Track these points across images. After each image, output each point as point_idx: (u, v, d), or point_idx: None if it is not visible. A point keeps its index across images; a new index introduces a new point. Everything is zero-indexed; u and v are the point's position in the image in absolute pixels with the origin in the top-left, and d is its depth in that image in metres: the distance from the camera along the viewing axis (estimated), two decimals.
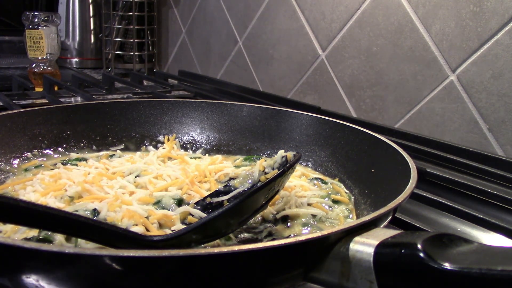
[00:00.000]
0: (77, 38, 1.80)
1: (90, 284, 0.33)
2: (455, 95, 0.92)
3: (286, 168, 0.49)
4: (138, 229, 0.47)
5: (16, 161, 0.68)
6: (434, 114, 0.96)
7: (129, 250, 0.30)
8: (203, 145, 0.80)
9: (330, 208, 0.59)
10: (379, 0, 1.04)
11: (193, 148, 0.80)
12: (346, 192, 0.64)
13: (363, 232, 0.36)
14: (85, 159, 0.70)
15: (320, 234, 0.34)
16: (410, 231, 0.35)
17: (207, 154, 0.78)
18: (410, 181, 0.48)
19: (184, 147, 0.80)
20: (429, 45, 0.95)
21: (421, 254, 0.30)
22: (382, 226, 0.41)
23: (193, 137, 0.81)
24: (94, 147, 0.76)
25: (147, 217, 0.50)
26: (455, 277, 0.29)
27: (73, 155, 0.72)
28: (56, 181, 0.59)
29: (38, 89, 1.27)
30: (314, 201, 0.59)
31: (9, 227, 0.48)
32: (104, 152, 0.75)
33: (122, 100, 0.83)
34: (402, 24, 1.00)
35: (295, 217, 0.55)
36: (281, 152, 0.54)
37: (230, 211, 0.43)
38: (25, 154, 0.69)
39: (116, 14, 1.64)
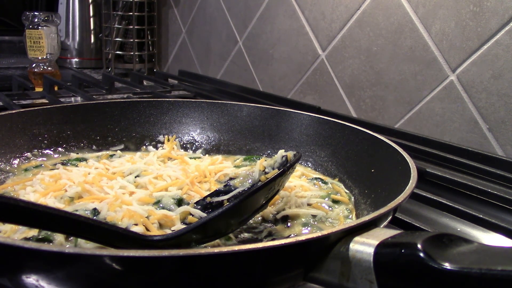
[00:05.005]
0: (77, 38, 1.80)
1: (90, 284, 0.33)
2: (455, 95, 0.92)
3: (286, 168, 0.49)
4: (138, 229, 0.47)
5: (16, 161, 0.68)
6: (434, 114, 0.96)
7: (129, 250, 0.30)
8: (203, 145, 0.80)
9: (330, 208, 0.59)
10: (379, 0, 1.04)
11: (193, 148, 0.80)
12: (346, 192, 0.64)
13: (363, 232, 0.36)
14: (85, 159, 0.70)
15: (320, 234, 0.34)
16: (410, 231, 0.35)
17: (207, 154, 0.78)
18: (410, 181, 0.48)
19: (184, 147, 0.80)
20: (429, 45, 0.95)
21: (421, 254, 0.30)
22: (382, 226, 0.41)
23: (193, 137, 0.81)
24: (94, 147, 0.76)
25: (147, 217, 0.50)
26: (455, 277, 0.29)
27: (73, 155, 0.73)
28: (56, 181, 0.59)
29: (38, 89, 1.27)
30: (314, 201, 0.59)
31: (9, 227, 0.48)
32: (104, 152, 0.75)
33: (122, 100, 0.83)
34: (402, 24, 1.00)
35: (295, 217, 0.55)
36: (281, 152, 0.54)
37: (230, 210, 0.43)
38: (25, 154, 0.69)
39: (116, 14, 1.64)
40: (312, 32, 1.21)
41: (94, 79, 1.47)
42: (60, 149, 0.73)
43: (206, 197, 0.54)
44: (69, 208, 0.52)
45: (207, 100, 0.85)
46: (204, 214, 0.51)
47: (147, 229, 0.48)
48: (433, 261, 0.30)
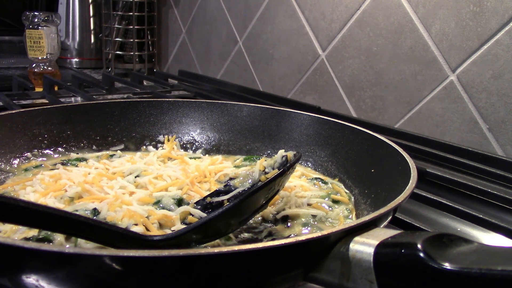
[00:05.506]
0: (77, 38, 1.80)
1: (90, 284, 0.33)
2: (455, 95, 0.92)
3: (286, 168, 0.49)
4: (138, 229, 0.47)
5: (16, 161, 0.68)
6: (434, 114, 0.96)
7: (129, 250, 0.30)
8: (203, 145, 0.80)
9: (330, 208, 0.59)
10: (379, 0, 1.04)
11: (193, 148, 0.80)
12: (346, 192, 0.64)
13: (363, 232, 0.36)
14: (85, 159, 0.70)
15: (320, 234, 0.34)
16: (410, 231, 0.35)
17: (207, 155, 0.78)
18: (410, 181, 0.48)
19: (184, 147, 0.80)
20: (429, 45, 0.95)
21: (421, 254, 0.30)
22: (382, 226, 0.41)
23: (193, 137, 0.81)
24: (94, 147, 0.76)
25: (147, 217, 0.50)
26: (455, 277, 0.29)
27: (73, 155, 0.72)
28: (56, 181, 0.59)
29: (38, 89, 1.27)
30: (314, 201, 0.59)
31: (9, 227, 0.48)
32: (104, 152, 0.75)
33: (122, 100, 0.83)
34: (402, 24, 1.00)
35: (295, 217, 0.55)
36: (281, 152, 0.54)
37: (230, 210, 0.43)
38: (25, 154, 0.69)
39: (116, 14, 1.64)
40: (312, 32, 1.21)
41: (94, 79, 1.47)
42: (60, 149, 0.73)
43: (206, 197, 0.54)
44: (69, 208, 0.52)
45: (207, 100, 0.85)
46: (204, 214, 0.51)
47: (147, 229, 0.48)
48: (433, 261, 0.30)
